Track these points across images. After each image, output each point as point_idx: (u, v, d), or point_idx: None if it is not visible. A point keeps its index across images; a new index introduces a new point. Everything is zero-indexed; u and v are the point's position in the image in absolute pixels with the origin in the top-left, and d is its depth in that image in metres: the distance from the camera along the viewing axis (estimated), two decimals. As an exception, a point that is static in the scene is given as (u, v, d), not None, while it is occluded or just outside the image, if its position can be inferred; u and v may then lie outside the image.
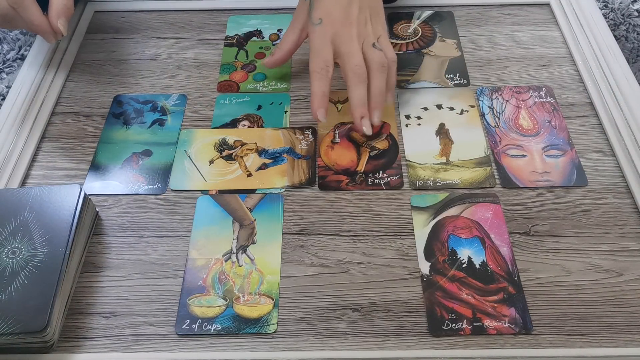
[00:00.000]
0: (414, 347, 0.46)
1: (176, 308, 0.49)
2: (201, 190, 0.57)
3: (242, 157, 0.59)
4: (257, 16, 0.74)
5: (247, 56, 0.69)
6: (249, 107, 0.64)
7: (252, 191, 0.57)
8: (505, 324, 0.47)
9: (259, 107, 0.64)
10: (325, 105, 0.57)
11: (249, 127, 0.62)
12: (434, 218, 0.54)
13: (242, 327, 0.48)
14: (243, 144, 0.60)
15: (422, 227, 0.53)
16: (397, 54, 0.69)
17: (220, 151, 0.60)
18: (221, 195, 0.56)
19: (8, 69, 0.73)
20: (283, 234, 0.53)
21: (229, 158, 0.59)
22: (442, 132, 0.61)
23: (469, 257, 0.51)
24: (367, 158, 0.59)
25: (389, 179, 0.57)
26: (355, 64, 0.57)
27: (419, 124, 0.62)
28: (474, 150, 0.59)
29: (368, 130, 0.57)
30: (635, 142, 0.58)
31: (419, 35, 0.71)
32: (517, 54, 0.69)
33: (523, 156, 0.58)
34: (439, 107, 0.63)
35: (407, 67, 0.68)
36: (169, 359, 0.46)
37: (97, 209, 0.55)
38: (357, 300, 0.49)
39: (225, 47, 0.71)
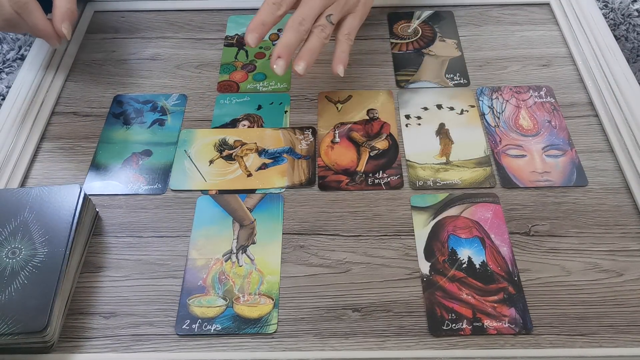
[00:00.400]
0: (414, 347, 0.46)
1: (176, 308, 0.49)
2: (201, 190, 0.57)
3: (242, 157, 0.59)
4: (257, 16, 0.74)
5: (247, 56, 0.69)
6: (249, 107, 0.64)
7: (252, 191, 0.57)
8: (505, 324, 0.47)
9: (259, 107, 0.64)
10: (259, 32, 0.55)
11: (249, 127, 0.62)
12: (434, 218, 0.54)
13: (242, 327, 0.48)
14: (243, 144, 0.60)
15: (422, 227, 0.53)
16: (397, 53, 0.69)
17: (220, 151, 0.60)
18: (221, 195, 0.56)
19: (8, 69, 0.73)
20: (283, 234, 0.53)
21: (229, 158, 0.59)
22: (442, 132, 0.61)
23: (469, 257, 0.51)
24: (367, 158, 0.59)
25: (389, 179, 0.57)
26: (302, 15, 0.56)
27: (419, 124, 0.62)
28: (474, 150, 0.59)
29: (279, 70, 0.56)
30: (635, 142, 0.58)
31: (419, 35, 0.71)
32: (517, 54, 0.69)
33: (523, 156, 0.59)
34: (439, 107, 0.63)
35: (407, 67, 0.68)
36: (169, 359, 0.46)
37: (97, 209, 0.55)
38: (357, 300, 0.49)
39: (225, 47, 0.71)
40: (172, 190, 0.57)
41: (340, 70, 0.59)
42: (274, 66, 0.56)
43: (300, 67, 0.56)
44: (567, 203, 0.55)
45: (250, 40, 0.55)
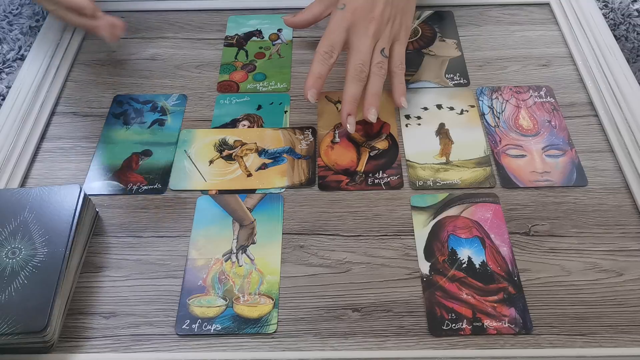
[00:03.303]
0: (414, 347, 0.46)
1: (176, 308, 0.49)
2: (201, 190, 0.57)
3: (242, 157, 0.59)
4: (257, 16, 0.74)
5: (247, 56, 0.69)
6: (248, 107, 0.64)
7: (252, 191, 0.57)
8: (505, 324, 0.47)
9: (259, 107, 0.64)
10: (317, 87, 0.57)
11: (249, 127, 0.62)
12: (434, 218, 0.54)
13: (242, 327, 0.48)
14: (243, 144, 0.60)
15: (422, 227, 0.53)
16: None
17: (220, 151, 0.60)
18: (221, 195, 0.56)
19: (8, 69, 0.73)
20: (283, 234, 0.53)
21: (228, 158, 0.59)
22: (442, 132, 0.61)
23: (469, 257, 0.51)
24: (367, 158, 0.59)
25: (389, 179, 0.57)
26: (359, 61, 0.56)
27: (419, 124, 0.62)
28: (474, 150, 0.59)
29: (352, 128, 0.57)
30: (635, 142, 0.58)
31: (419, 35, 0.71)
32: (517, 54, 0.69)
33: (523, 156, 0.59)
34: (439, 107, 0.63)
35: (407, 67, 0.67)
36: (169, 359, 0.46)
37: (97, 209, 0.55)
38: (357, 300, 0.49)
39: (225, 47, 0.71)
40: (172, 190, 0.57)
41: (403, 102, 0.60)
42: (347, 125, 0.57)
43: (371, 114, 0.57)
44: (567, 203, 0.55)
45: (310, 98, 0.56)
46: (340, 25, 0.57)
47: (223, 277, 0.51)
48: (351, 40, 0.57)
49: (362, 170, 0.58)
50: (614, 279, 0.50)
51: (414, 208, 0.55)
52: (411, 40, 0.70)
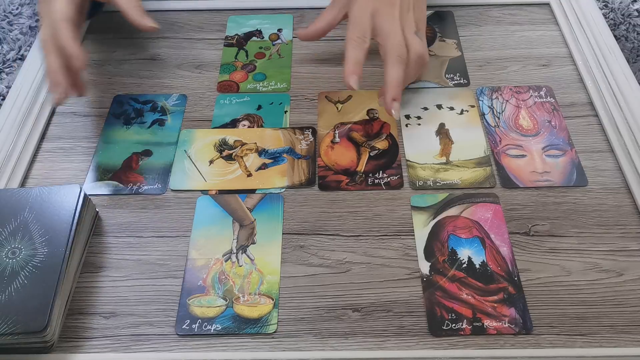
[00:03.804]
0: (414, 347, 0.46)
1: (176, 308, 0.49)
2: (201, 190, 0.57)
3: (242, 157, 0.59)
4: (257, 16, 0.74)
5: (247, 56, 0.69)
6: (249, 107, 0.64)
7: (252, 191, 0.57)
8: (505, 324, 0.47)
9: (259, 107, 0.64)
10: (359, 73, 0.56)
11: (249, 127, 0.62)
12: (434, 218, 0.54)
13: (242, 327, 0.48)
14: (243, 144, 0.60)
15: (422, 227, 0.53)
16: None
17: (220, 151, 0.60)
18: (221, 196, 0.56)
19: (8, 69, 0.73)
20: (283, 234, 0.53)
21: (229, 158, 0.59)
22: (442, 132, 0.61)
23: (469, 257, 0.51)
24: (367, 158, 0.59)
25: (389, 179, 0.57)
26: (398, 42, 0.55)
27: (419, 124, 0.62)
28: (474, 150, 0.59)
29: (397, 115, 0.56)
30: (635, 142, 0.58)
31: (419, 35, 0.71)
32: (517, 54, 0.69)
33: (523, 156, 0.59)
34: (439, 107, 0.63)
35: (407, 67, 0.68)
36: (169, 359, 0.46)
37: (97, 209, 0.55)
38: (357, 300, 0.49)
39: (225, 47, 0.71)
40: (172, 190, 0.57)
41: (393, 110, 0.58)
42: (393, 112, 0.56)
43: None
44: (567, 203, 0.55)
45: (354, 84, 0.55)
46: (365, 12, 0.56)
47: (223, 277, 0.51)
48: (380, 26, 0.56)
49: (362, 170, 0.58)
50: (614, 279, 0.50)
51: (414, 208, 0.55)
52: (411, 40, 0.70)
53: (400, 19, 0.57)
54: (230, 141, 0.61)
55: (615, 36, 0.69)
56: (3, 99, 0.65)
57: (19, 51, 0.77)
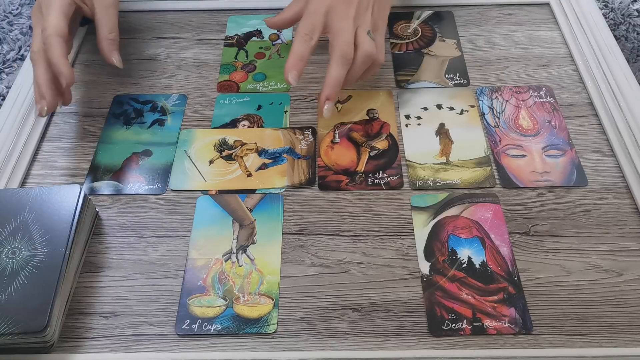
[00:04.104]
0: (414, 347, 0.46)
1: (176, 308, 0.49)
2: (201, 190, 0.57)
3: (242, 157, 0.59)
4: (257, 16, 0.74)
5: (247, 56, 0.69)
6: (248, 107, 0.64)
7: (252, 191, 0.57)
8: (505, 324, 0.47)
9: (259, 107, 0.64)
10: (299, 69, 0.55)
11: (249, 127, 0.62)
12: (433, 218, 0.54)
13: (242, 327, 0.48)
14: (243, 144, 0.60)
15: (422, 227, 0.53)
16: (397, 53, 0.69)
17: (220, 151, 0.60)
18: (221, 196, 0.56)
19: (8, 69, 0.73)
20: (283, 234, 0.53)
21: (228, 158, 0.59)
22: (442, 132, 0.61)
23: (469, 257, 0.51)
24: (367, 158, 0.59)
25: (389, 179, 0.57)
26: (346, 41, 0.55)
27: (419, 124, 0.62)
28: (474, 150, 0.59)
29: (327, 114, 0.56)
30: (635, 142, 0.58)
31: (419, 35, 0.71)
32: (517, 54, 0.69)
33: (523, 156, 0.59)
34: (439, 107, 0.63)
35: (407, 67, 0.68)
36: (168, 359, 0.46)
37: (97, 209, 0.55)
38: (357, 300, 0.49)
39: (225, 47, 0.71)
40: (172, 190, 0.57)
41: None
42: (324, 111, 0.56)
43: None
44: (567, 203, 0.55)
45: (292, 80, 0.55)
46: (319, 8, 0.56)
47: (223, 277, 0.51)
48: (332, 24, 0.56)
49: (362, 170, 0.58)
50: (614, 279, 0.50)
51: (414, 208, 0.55)
52: (411, 40, 0.71)
53: (355, 18, 0.56)
54: (230, 141, 0.61)
55: (615, 36, 0.69)
56: (3, 99, 0.65)
57: (19, 51, 0.77)
